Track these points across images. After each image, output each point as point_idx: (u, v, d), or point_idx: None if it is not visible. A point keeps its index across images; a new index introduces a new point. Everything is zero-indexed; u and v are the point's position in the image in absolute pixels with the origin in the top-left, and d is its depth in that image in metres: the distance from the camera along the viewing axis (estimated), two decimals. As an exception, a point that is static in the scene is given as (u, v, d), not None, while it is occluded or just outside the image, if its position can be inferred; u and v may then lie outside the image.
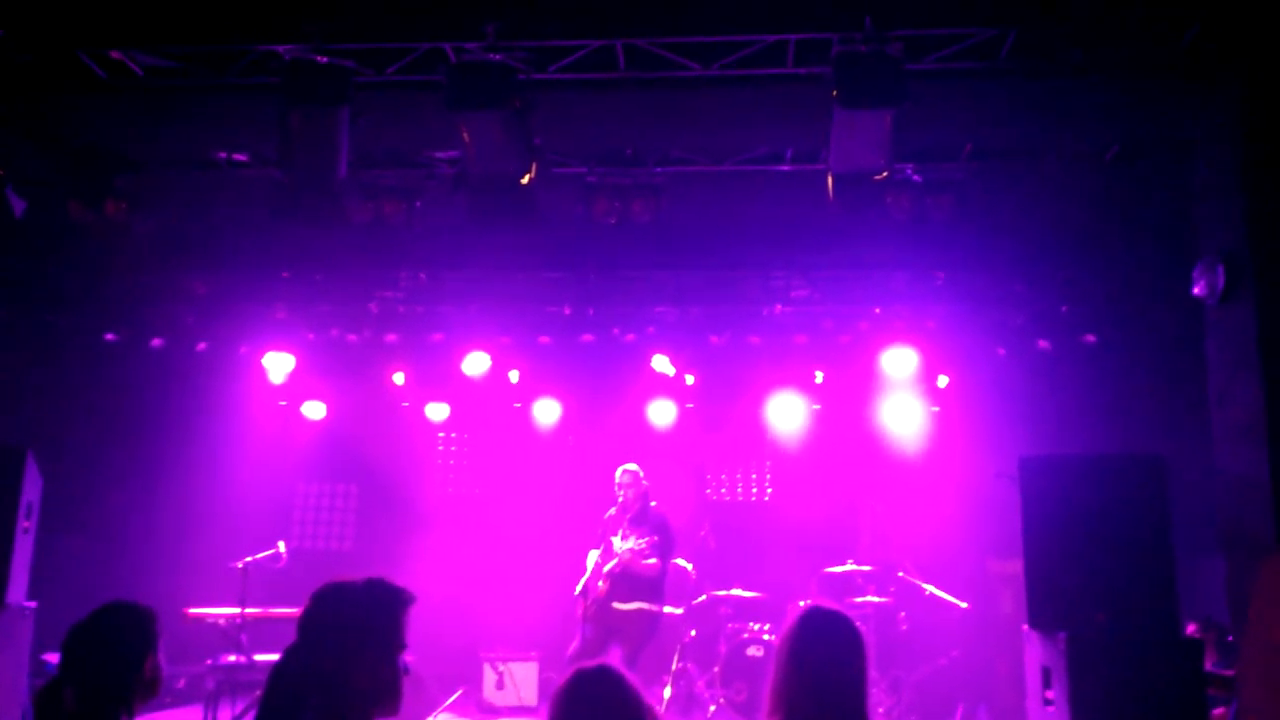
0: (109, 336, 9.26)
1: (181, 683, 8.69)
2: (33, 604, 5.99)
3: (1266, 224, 4.80)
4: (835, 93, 5.01)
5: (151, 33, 5.55)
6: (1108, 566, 4.98)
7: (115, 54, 5.87)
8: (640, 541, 7.09)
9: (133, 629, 2.94)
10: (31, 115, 6.20)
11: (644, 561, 7.08)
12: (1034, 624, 5.20)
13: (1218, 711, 5.76)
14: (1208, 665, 5.35)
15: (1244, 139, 4.90)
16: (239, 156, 7.02)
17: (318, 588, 2.33)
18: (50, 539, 6.85)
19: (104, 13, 5.43)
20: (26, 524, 5.83)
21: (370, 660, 2.25)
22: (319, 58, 5.32)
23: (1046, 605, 5.13)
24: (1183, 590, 5.13)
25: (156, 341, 9.37)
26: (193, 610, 7.55)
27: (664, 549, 7.20)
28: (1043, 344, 8.76)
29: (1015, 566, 5.42)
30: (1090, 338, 8.56)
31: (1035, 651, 5.21)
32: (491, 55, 5.29)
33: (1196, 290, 5.14)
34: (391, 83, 5.93)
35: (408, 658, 2.37)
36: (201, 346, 9.57)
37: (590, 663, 2.49)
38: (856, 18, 5.03)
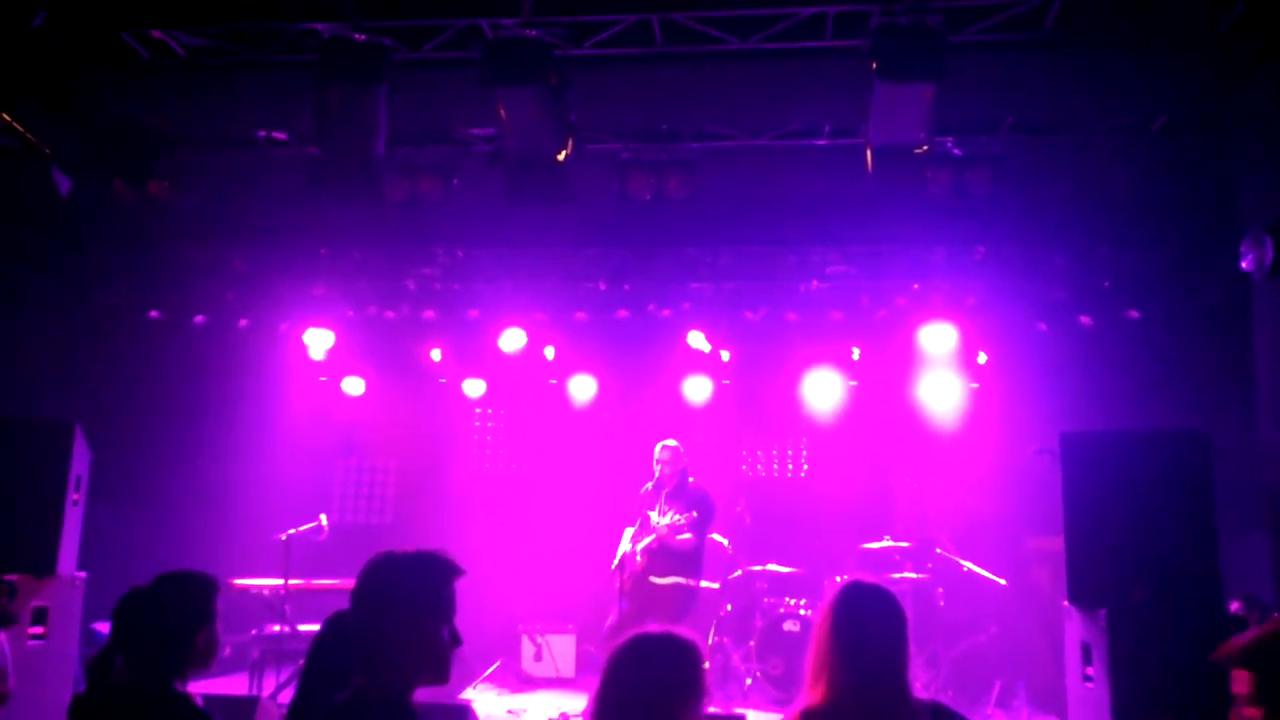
0: (153, 314, 9.40)
1: (227, 651, 8.84)
2: (83, 574, 6.13)
3: (1317, 197, 4.70)
4: (875, 65, 4.96)
5: (192, 12, 5.62)
6: (1150, 543, 4.94)
7: (156, 34, 5.94)
8: (679, 517, 7.11)
9: (191, 598, 2.99)
10: (75, 96, 6.29)
11: (679, 536, 7.10)
12: (1074, 600, 5.17)
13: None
14: (1250, 644, 5.28)
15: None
16: (278, 135, 7.09)
17: (370, 558, 2.36)
18: (98, 511, 7.01)
19: (145, -7, 5.50)
20: (76, 496, 5.96)
21: (419, 630, 2.27)
22: (356, 35, 5.35)
23: (1087, 581, 5.11)
24: (1226, 568, 5.07)
25: (199, 318, 9.51)
26: (238, 581, 7.70)
27: (701, 524, 7.21)
28: (1085, 320, 8.64)
29: (1053, 543, 5.38)
30: (1133, 313, 8.42)
31: (1075, 628, 5.19)
32: (528, 31, 5.30)
33: (1244, 264, 5.05)
34: (428, 60, 5.95)
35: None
36: (243, 323, 9.69)
37: (653, 628, 2.52)
38: (896, -11, 4.98)
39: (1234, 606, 6.03)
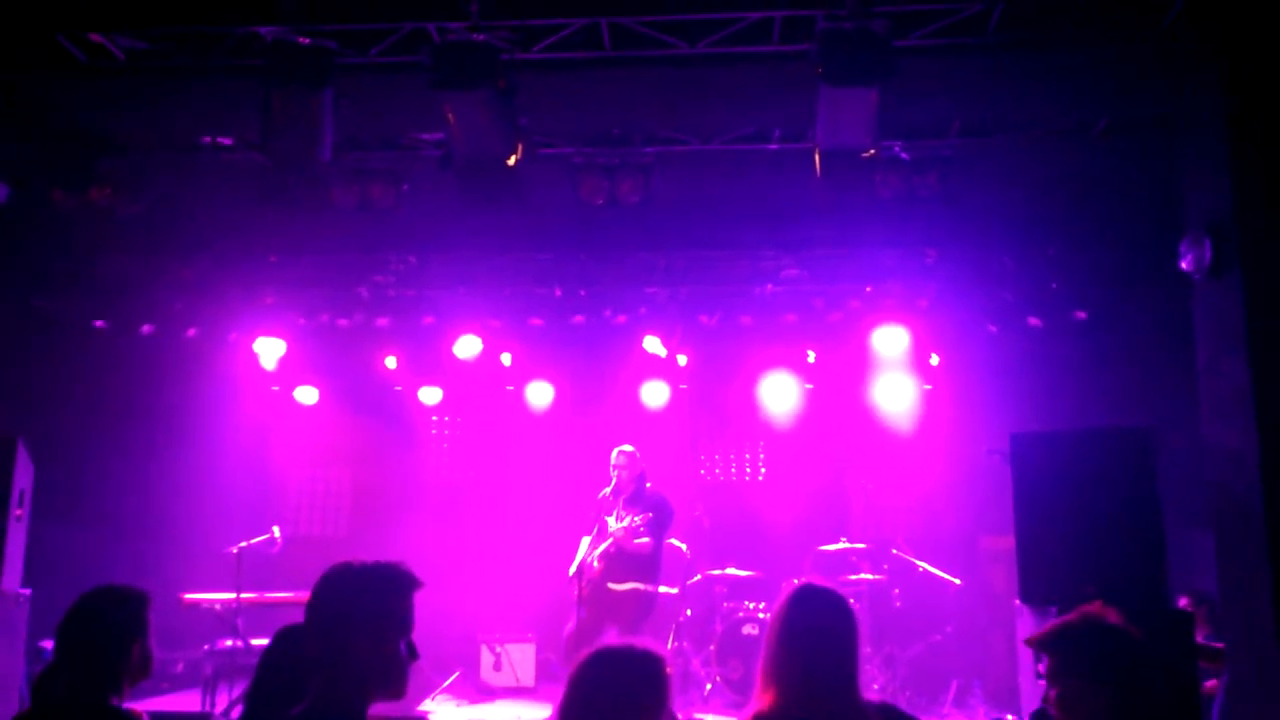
0: (98, 323, 9.22)
1: (179, 667, 8.71)
2: (27, 591, 6.00)
3: (1252, 198, 4.79)
4: (820, 70, 4.98)
5: (130, 15, 5.51)
6: (1098, 540, 5.00)
7: (95, 37, 5.82)
8: (635, 520, 7.09)
9: (120, 612, 2.93)
10: (11, 100, 6.15)
11: (636, 540, 7.08)
12: (1025, 599, 5.22)
13: (1210, 684, 5.79)
14: (1199, 638, 5.37)
15: (1229, 113, 4.88)
16: (223, 140, 6.98)
17: (325, 570, 2.32)
18: (43, 527, 6.86)
19: (82, -4, 5.39)
20: (19, 512, 5.84)
21: (375, 643, 2.24)
22: (301, 39, 5.28)
23: (1038, 580, 5.16)
24: (1175, 563, 5.15)
25: (146, 328, 9.33)
26: (189, 596, 7.56)
27: (657, 527, 7.20)
28: (1033, 321, 8.75)
29: (1008, 543, 5.44)
30: (1080, 314, 8.55)
31: (1027, 626, 5.23)
32: (475, 35, 5.25)
33: (1184, 264, 5.13)
34: (375, 64, 5.90)
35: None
36: (191, 333, 9.53)
37: (616, 642, 2.50)
38: (841, -7, 5.01)
39: (1182, 601, 6.13)
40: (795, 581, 3.10)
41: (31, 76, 5.94)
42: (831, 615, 2.89)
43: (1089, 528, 5.02)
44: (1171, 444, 5.75)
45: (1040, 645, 2.85)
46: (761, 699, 2.81)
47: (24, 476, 5.86)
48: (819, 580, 3.08)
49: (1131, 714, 2.63)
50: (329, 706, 2.20)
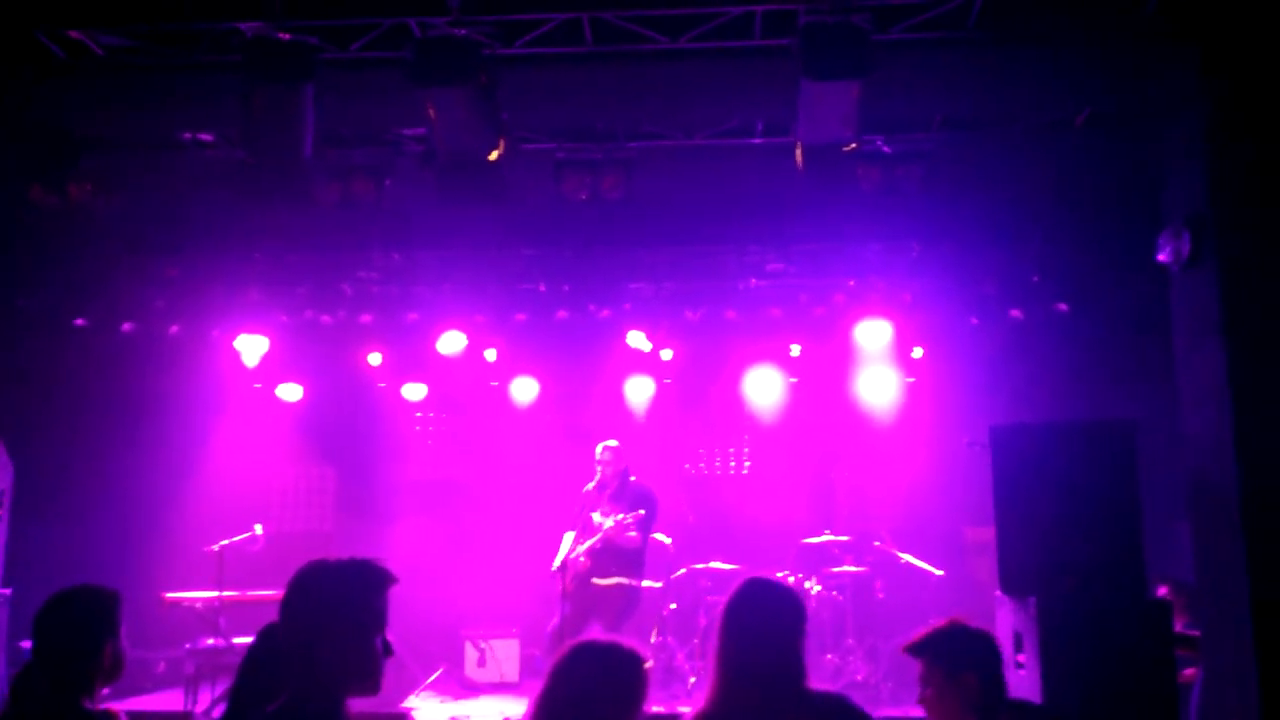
0: (79, 321, 9.15)
1: (161, 667, 8.67)
2: (7, 590, 5.97)
3: (1229, 191, 4.84)
4: (801, 64, 4.99)
5: (111, 11, 5.47)
6: (1077, 531, 5.05)
7: (74, 33, 5.78)
8: (626, 516, 7.10)
9: (90, 613, 2.90)
10: (-12, 98, 6.10)
11: (626, 535, 7.10)
12: (1005, 589, 5.27)
13: (1188, 672, 5.85)
14: (1177, 627, 5.43)
15: (1208, 105, 4.93)
16: (204, 136, 6.94)
17: (299, 568, 2.33)
18: (24, 525, 6.82)
19: (61, -9, 5.35)
20: (0, 511, 5.80)
21: (349, 640, 2.24)
22: (282, 35, 5.25)
23: (1018, 570, 5.21)
24: (1156, 553, 5.20)
25: (127, 326, 9.27)
26: (170, 594, 7.53)
27: (646, 523, 7.21)
28: (1015, 313, 8.80)
29: (990, 534, 5.48)
30: (1062, 306, 8.60)
31: (1007, 616, 5.29)
32: (456, 30, 5.25)
33: (1162, 257, 5.18)
34: (356, 60, 5.88)
35: (388, 637, 2.38)
36: (173, 330, 9.46)
37: (598, 638, 2.52)
38: (823, -12, 5.02)
39: (1161, 590, 6.19)
40: (787, 575, 3.11)
41: (10, 73, 5.90)
42: (772, 609, 2.87)
43: (1069, 519, 5.07)
44: (1151, 435, 5.80)
45: (911, 651, 3.14)
46: (704, 696, 2.82)
47: (4, 475, 5.84)
48: (765, 574, 3.09)
49: (991, 705, 2.99)
50: (304, 703, 2.21)
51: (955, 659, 3.04)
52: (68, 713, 2.79)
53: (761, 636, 2.79)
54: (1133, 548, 5.00)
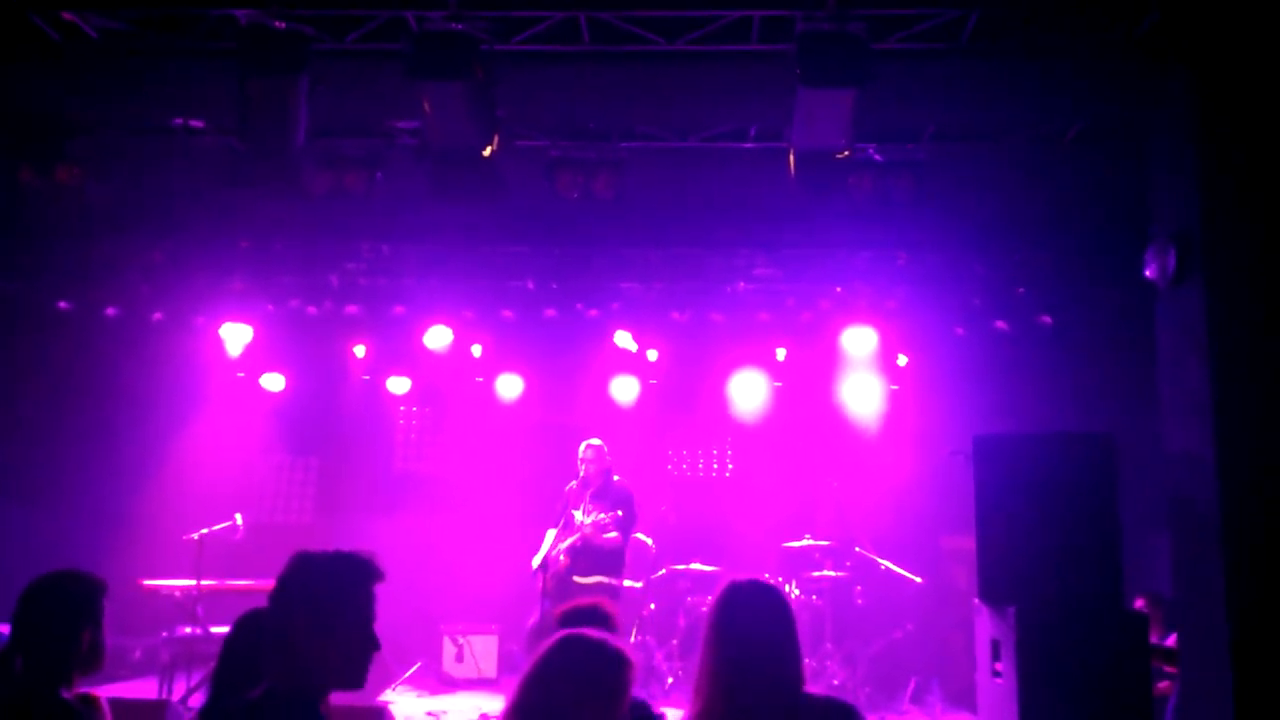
0: (62, 305, 9.09)
1: (137, 654, 8.63)
2: (-17, 575, 5.92)
3: (1217, 208, 4.88)
4: (798, 71, 5.01)
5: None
6: (1057, 542, 5.09)
7: (68, 15, 5.74)
8: (604, 515, 7.11)
9: (71, 599, 2.86)
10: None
11: (605, 535, 7.10)
12: (984, 598, 5.30)
13: (1163, 685, 5.91)
14: (1153, 638, 5.48)
15: (1197, 123, 4.97)
16: (195, 123, 6.89)
17: (290, 558, 2.32)
18: (4, 509, 6.76)
19: (56, -27, 5.31)
20: (-23, 494, 5.75)
21: (335, 633, 2.24)
22: (277, 24, 5.23)
23: (997, 579, 5.24)
24: (1134, 565, 5.25)
25: (111, 311, 9.21)
26: (148, 582, 7.49)
27: (626, 523, 7.23)
28: (1000, 324, 8.86)
29: (969, 542, 5.52)
30: (1046, 319, 8.67)
31: (985, 625, 5.32)
32: (454, 24, 5.23)
33: (1148, 272, 5.22)
34: (352, 51, 5.86)
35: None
36: (157, 316, 9.42)
37: (588, 633, 2.46)
38: (820, -5, 5.04)
39: (1138, 603, 6.25)
40: (769, 577, 2.99)
41: (2, 54, 5.85)
42: (762, 610, 2.70)
43: (1048, 529, 5.12)
44: (1132, 448, 5.86)
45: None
46: (696, 702, 2.67)
47: (-16, 458, 5.77)
48: (749, 575, 2.86)
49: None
50: (285, 693, 2.21)
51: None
52: (44, 700, 2.75)
53: (757, 642, 2.63)
54: (1111, 560, 5.04)
